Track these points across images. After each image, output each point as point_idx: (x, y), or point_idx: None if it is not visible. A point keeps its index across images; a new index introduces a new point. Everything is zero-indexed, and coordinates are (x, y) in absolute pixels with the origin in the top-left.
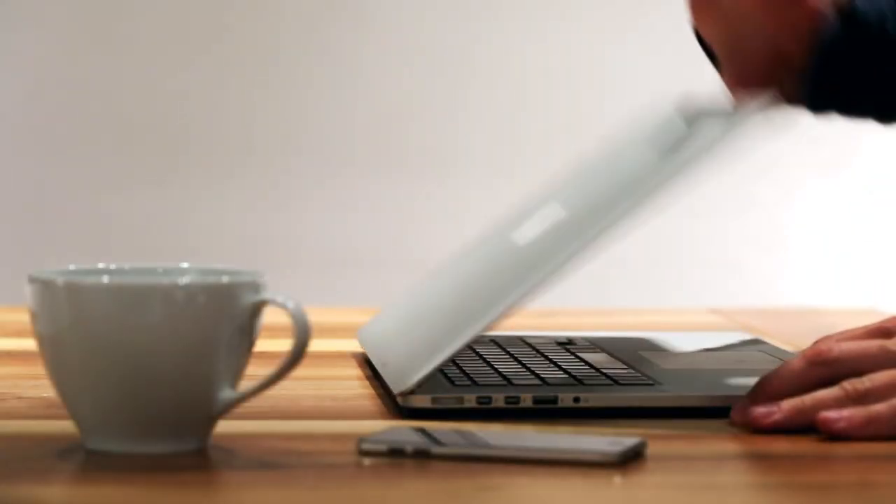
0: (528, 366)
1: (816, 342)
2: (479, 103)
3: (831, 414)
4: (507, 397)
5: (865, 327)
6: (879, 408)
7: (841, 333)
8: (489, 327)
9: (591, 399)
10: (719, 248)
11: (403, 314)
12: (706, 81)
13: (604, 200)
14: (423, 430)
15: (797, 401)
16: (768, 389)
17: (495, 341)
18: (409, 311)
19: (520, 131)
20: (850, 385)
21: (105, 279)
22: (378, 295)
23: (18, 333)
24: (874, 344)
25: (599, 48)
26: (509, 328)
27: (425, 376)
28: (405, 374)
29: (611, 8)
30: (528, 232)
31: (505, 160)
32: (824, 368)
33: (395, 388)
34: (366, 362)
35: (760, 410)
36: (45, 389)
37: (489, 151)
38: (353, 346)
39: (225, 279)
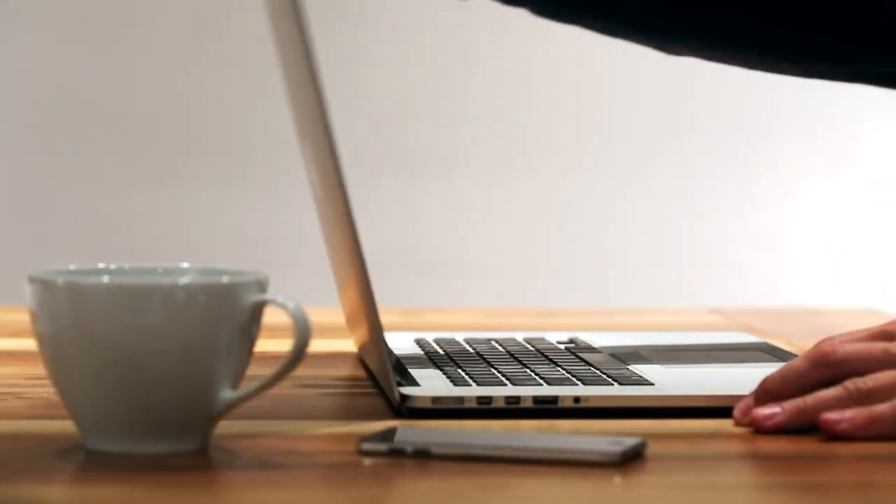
0: (528, 366)
1: (819, 343)
2: (480, 104)
3: (833, 415)
4: (507, 397)
5: (868, 330)
6: (882, 408)
7: (843, 335)
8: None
9: (591, 399)
10: (719, 248)
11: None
12: (705, 81)
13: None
14: (423, 430)
15: (799, 401)
16: (771, 390)
17: (495, 341)
18: None
19: (521, 132)
20: (852, 385)
21: (105, 279)
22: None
23: (18, 333)
24: (878, 346)
25: (600, 48)
26: (510, 328)
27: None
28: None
29: None
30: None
31: (506, 160)
32: (827, 370)
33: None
34: (369, 363)
35: (763, 412)
36: (45, 389)
37: (490, 152)
38: (353, 346)
39: (225, 279)
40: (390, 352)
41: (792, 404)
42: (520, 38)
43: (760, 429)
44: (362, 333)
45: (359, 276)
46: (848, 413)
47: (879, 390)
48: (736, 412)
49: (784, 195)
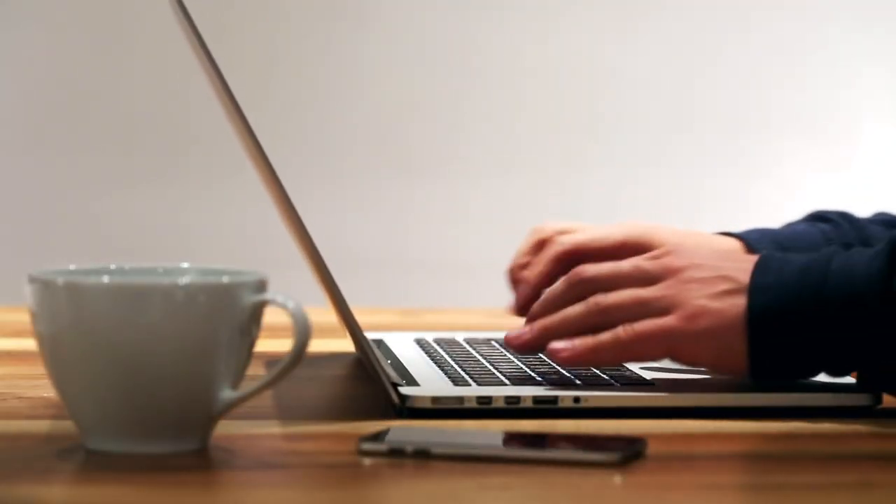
0: (528, 366)
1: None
2: (480, 104)
3: (558, 344)
4: (507, 397)
5: (609, 237)
6: (605, 336)
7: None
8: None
9: (591, 399)
10: None
11: None
12: (705, 82)
13: None
14: (423, 430)
15: (546, 320)
16: (535, 314)
17: (495, 341)
18: None
19: (520, 132)
20: (593, 301)
21: (105, 279)
22: (378, 295)
23: (18, 333)
24: (627, 263)
25: (599, 48)
26: (510, 328)
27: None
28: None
29: (610, 8)
30: None
31: (506, 160)
32: (580, 287)
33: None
34: (365, 362)
35: (512, 333)
36: (45, 389)
37: (489, 152)
38: (353, 346)
39: (225, 279)
40: (371, 345)
41: (539, 323)
42: (518, 38)
43: (514, 348)
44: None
45: (325, 278)
46: (576, 341)
47: (618, 306)
48: (506, 339)
49: (784, 195)
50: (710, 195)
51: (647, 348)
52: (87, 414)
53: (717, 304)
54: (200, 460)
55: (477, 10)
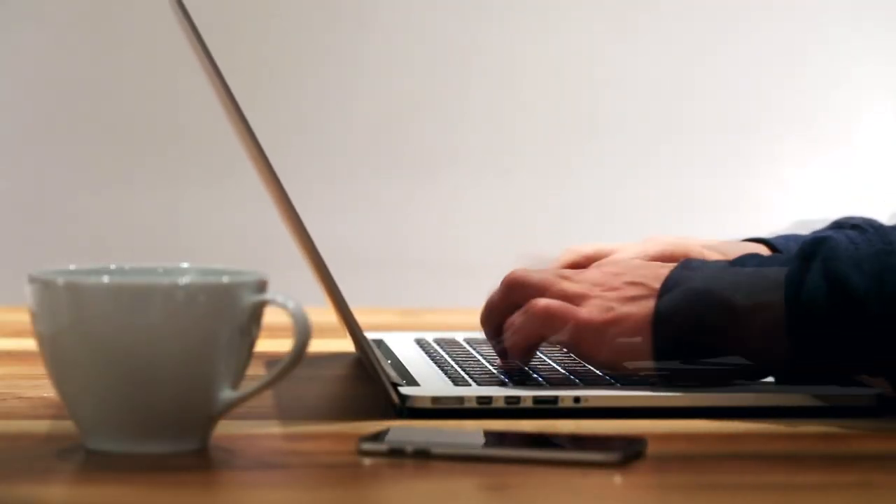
0: (529, 366)
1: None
2: (480, 104)
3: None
4: (507, 397)
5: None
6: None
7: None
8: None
9: (591, 399)
10: None
11: None
12: (704, 82)
13: None
14: (423, 430)
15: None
16: (482, 322)
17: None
18: None
19: (519, 132)
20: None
21: (105, 279)
22: (378, 295)
23: (18, 333)
24: (552, 274)
25: (598, 48)
26: None
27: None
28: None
29: (609, 8)
30: None
31: (506, 160)
32: (515, 293)
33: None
34: (365, 362)
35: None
36: (45, 389)
37: (490, 152)
38: (353, 346)
39: (225, 279)
40: (371, 345)
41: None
42: (517, 38)
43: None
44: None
45: (325, 278)
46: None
47: (529, 288)
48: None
49: (784, 195)
50: (709, 195)
51: (550, 324)
52: (87, 414)
53: (623, 307)
54: (200, 460)
55: (477, 10)
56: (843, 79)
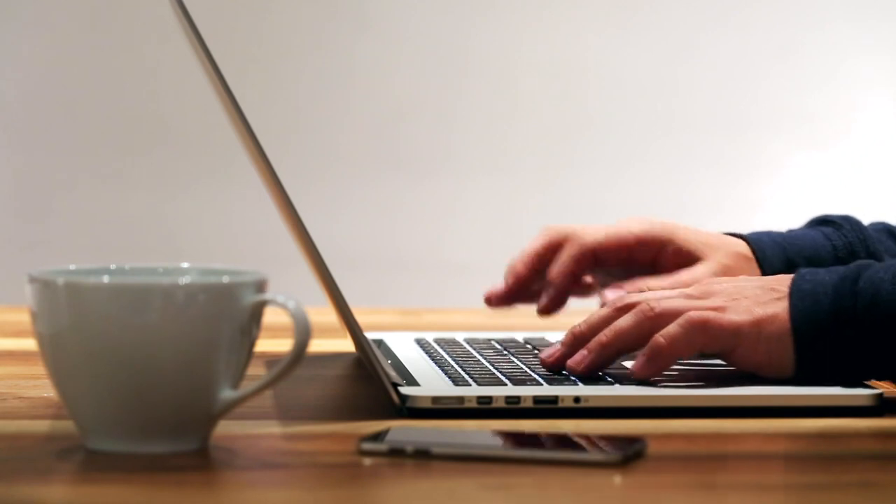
0: (529, 366)
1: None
2: (478, 103)
3: (634, 365)
4: (507, 397)
5: (674, 280)
6: (658, 341)
7: (651, 281)
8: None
9: (591, 399)
10: None
11: None
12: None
13: None
14: (423, 430)
15: (601, 335)
16: (579, 336)
17: (496, 341)
18: None
19: (518, 132)
20: (646, 306)
21: (105, 279)
22: (378, 295)
23: (18, 333)
24: (674, 291)
25: (597, 49)
26: (510, 328)
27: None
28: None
29: (607, 8)
30: None
31: (507, 160)
32: (628, 310)
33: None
34: (365, 362)
35: (574, 359)
36: (45, 389)
37: (488, 152)
38: (353, 345)
39: (225, 279)
40: (371, 345)
41: (595, 342)
42: (515, 38)
43: (576, 374)
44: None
45: (325, 278)
46: (640, 358)
47: (671, 312)
48: (544, 357)
49: (784, 195)
50: (706, 193)
51: (708, 333)
52: (87, 414)
53: (765, 309)
54: (200, 460)
55: (474, 10)
56: (841, 75)
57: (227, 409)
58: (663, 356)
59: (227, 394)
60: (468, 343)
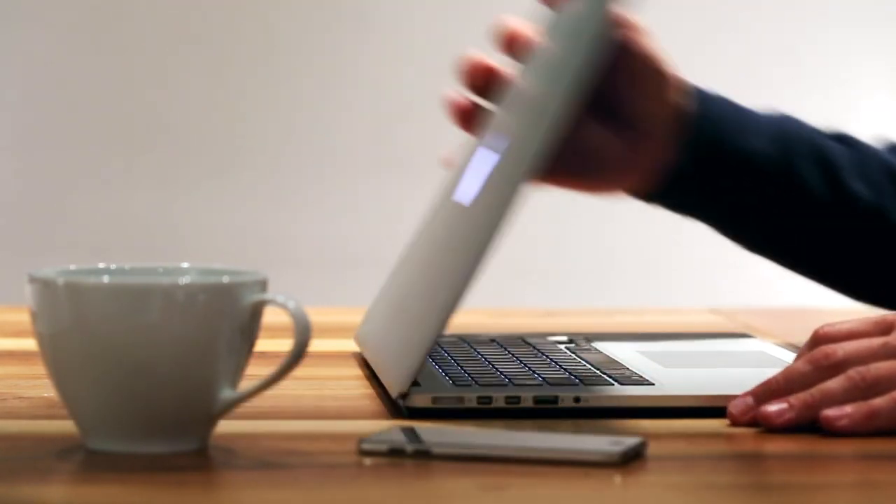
0: (529, 366)
1: (816, 334)
2: None
3: (832, 411)
4: (507, 397)
5: (866, 319)
6: (879, 402)
7: (840, 325)
8: (462, 294)
9: (591, 399)
10: (719, 248)
11: (386, 311)
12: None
13: (529, 117)
14: (423, 430)
15: (806, 395)
16: (776, 391)
17: (496, 341)
18: (391, 306)
19: None
20: (857, 374)
21: (105, 279)
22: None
23: (18, 333)
24: (877, 341)
25: None
26: (510, 328)
27: (418, 369)
28: (401, 375)
29: None
30: (469, 187)
31: None
32: (831, 371)
33: (394, 390)
34: (365, 362)
35: (772, 409)
36: (45, 389)
37: None
38: (353, 346)
39: (225, 279)
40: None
41: (799, 399)
42: None
43: (770, 426)
44: (393, 329)
45: (462, 276)
46: (847, 409)
47: (884, 378)
48: (733, 410)
49: None
50: None
51: None
52: (87, 414)
53: None
54: (200, 460)
55: (474, 10)
56: (841, 78)
57: (227, 409)
58: (875, 426)
59: (227, 394)
60: (468, 343)
